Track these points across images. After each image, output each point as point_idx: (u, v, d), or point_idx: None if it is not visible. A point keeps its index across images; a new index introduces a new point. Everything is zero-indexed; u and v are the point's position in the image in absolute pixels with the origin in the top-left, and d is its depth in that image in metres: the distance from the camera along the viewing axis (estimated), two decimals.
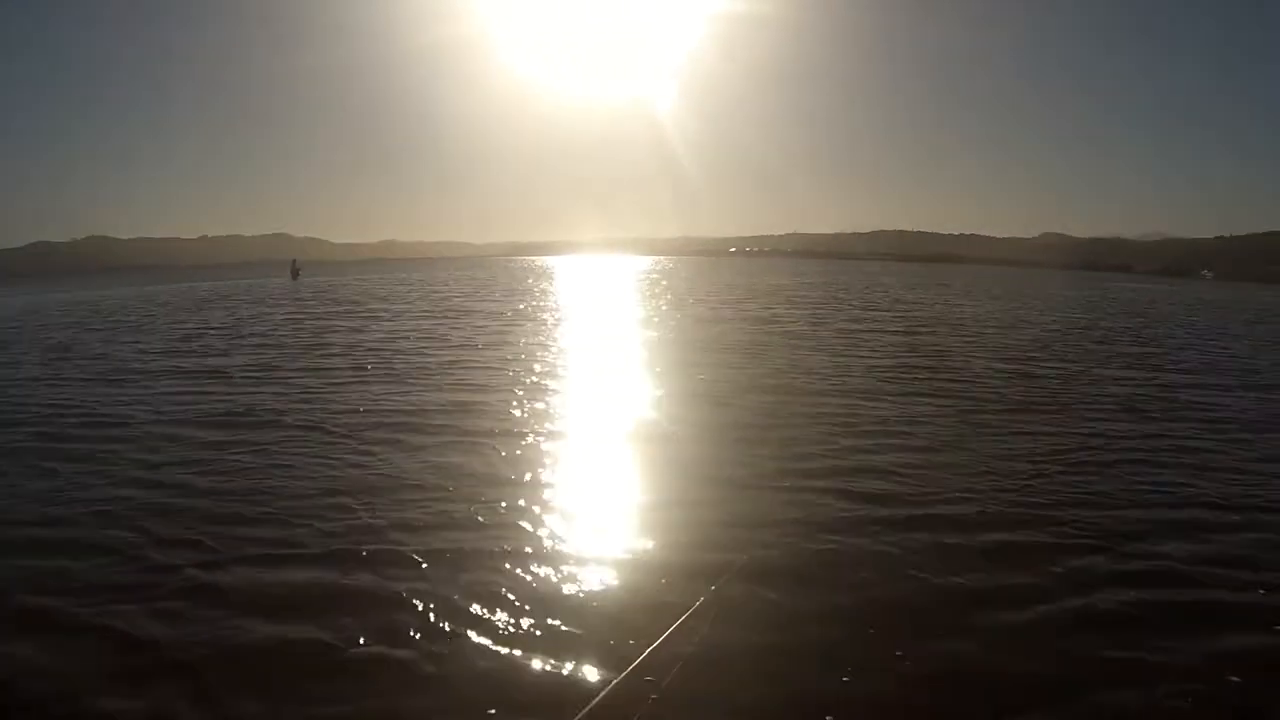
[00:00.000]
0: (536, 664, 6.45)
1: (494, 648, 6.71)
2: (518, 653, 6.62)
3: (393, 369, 21.35)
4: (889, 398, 17.30)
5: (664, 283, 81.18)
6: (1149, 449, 13.24)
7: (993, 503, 10.36)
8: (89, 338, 30.88)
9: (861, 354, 24.68)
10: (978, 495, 10.62)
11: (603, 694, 5.81)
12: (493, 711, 5.84)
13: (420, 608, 7.35)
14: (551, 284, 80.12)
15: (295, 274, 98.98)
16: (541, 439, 13.54)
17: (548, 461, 12.28)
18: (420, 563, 8.35)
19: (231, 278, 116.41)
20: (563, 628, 7.03)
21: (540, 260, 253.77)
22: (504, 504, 10.21)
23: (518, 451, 12.80)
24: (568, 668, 6.38)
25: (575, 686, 6.08)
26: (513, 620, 7.17)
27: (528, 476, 11.43)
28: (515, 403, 16.58)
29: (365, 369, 21.34)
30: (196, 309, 46.19)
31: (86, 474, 11.67)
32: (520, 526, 9.41)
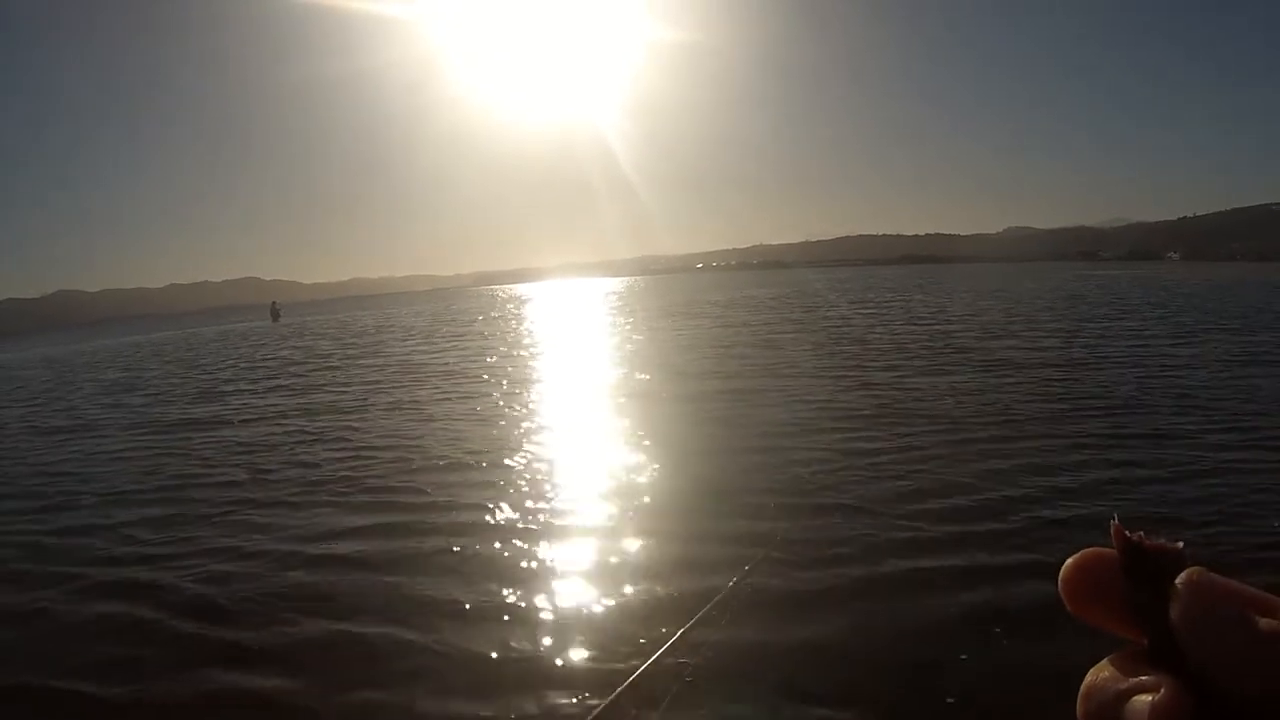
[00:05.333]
0: (568, 647, 6.68)
1: (523, 631, 7.04)
2: (548, 637, 6.90)
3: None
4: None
5: (640, 302, 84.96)
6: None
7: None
8: (147, 374, 34.37)
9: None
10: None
11: (633, 677, 5.82)
12: (524, 694, 6.08)
13: (445, 589, 7.98)
14: (537, 309, 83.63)
15: (276, 316, 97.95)
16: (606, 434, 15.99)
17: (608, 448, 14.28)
18: (450, 543, 9.24)
19: (215, 323, 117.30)
20: (593, 611, 7.38)
21: (512, 288, 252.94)
22: (540, 482, 11.79)
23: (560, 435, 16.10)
24: (599, 651, 6.57)
25: (606, 669, 6.20)
26: (541, 603, 7.59)
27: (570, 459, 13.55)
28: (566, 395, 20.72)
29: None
30: (227, 348, 49.03)
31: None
32: (548, 509, 10.41)
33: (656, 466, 12.34)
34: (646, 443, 13.84)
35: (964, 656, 6.10)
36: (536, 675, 6.28)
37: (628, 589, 7.77)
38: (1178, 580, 0.52)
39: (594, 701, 5.65)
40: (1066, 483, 10.15)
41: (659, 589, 7.67)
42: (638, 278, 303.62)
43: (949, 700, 5.53)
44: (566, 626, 7.07)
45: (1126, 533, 0.55)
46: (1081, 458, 11.30)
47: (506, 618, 7.29)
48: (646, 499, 10.71)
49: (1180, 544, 0.54)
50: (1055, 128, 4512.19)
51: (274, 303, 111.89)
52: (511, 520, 10.01)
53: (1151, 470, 10.54)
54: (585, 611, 7.36)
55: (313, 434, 16.61)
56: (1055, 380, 17.78)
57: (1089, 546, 0.56)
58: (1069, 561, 0.57)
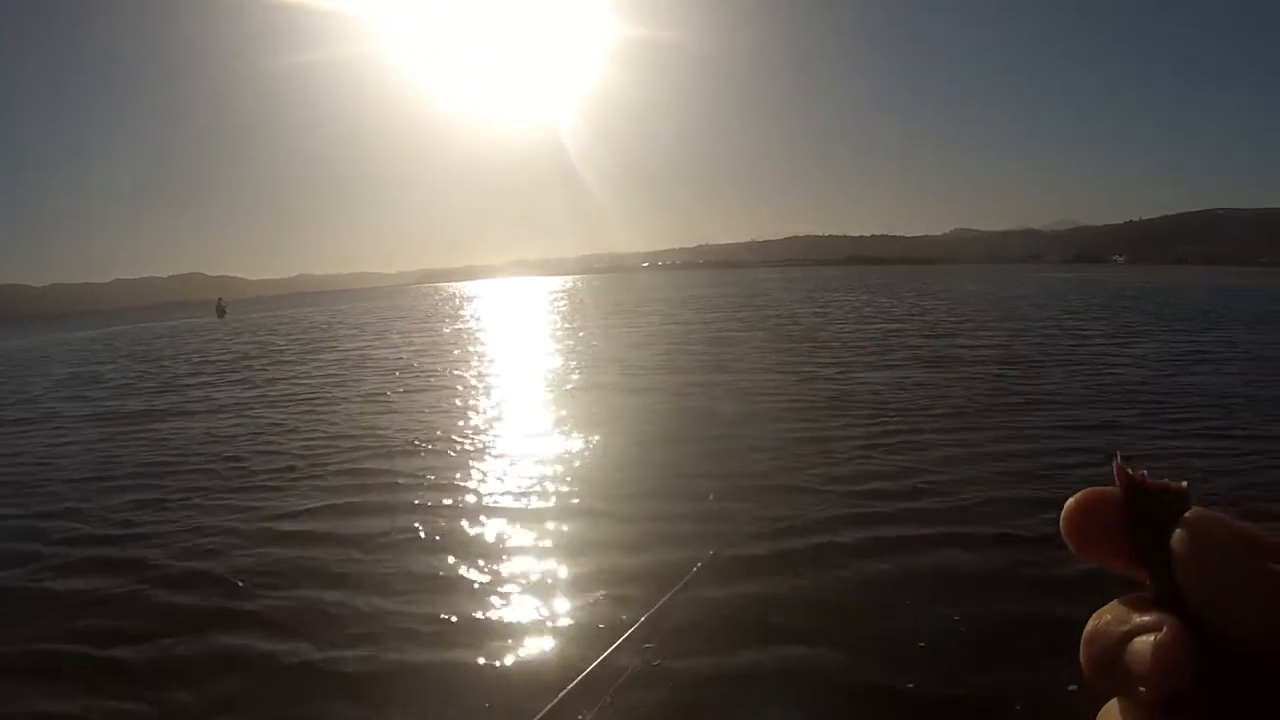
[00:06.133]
0: (532, 629, 6.86)
1: (489, 610, 7.28)
2: (513, 617, 7.12)
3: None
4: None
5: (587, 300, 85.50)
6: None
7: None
8: (103, 369, 34.05)
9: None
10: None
11: (594, 664, 5.81)
12: (488, 670, 6.30)
13: (412, 565, 8.40)
14: (488, 307, 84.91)
15: (222, 312, 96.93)
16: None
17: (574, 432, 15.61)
18: (416, 523, 9.66)
19: (162, 319, 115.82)
20: (558, 591, 7.63)
21: (459, 286, 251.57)
22: (517, 461, 12.71)
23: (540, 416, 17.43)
24: (563, 638, 6.70)
25: (570, 655, 6.31)
26: (504, 584, 7.83)
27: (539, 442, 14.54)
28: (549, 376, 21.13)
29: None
30: (179, 344, 48.95)
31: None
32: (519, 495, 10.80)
33: (615, 454, 12.91)
34: (603, 432, 14.41)
35: (920, 626, 6.44)
36: (501, 651, 6.53)
37: (591, 571, 8.07)
38: (1181, 519, 0.51)
39: (560, 683, 5.69)
40: (1011, 466, 10.91)
41: (622, 571, 7.94)
42: (584, 276, 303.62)
43: (909, 685, 5.68)
44: (531, 607, 7.28)
45: (1129, 471, 0.54)
46: (1024, 445, 12.06)
47: (472, 593, 7.64)
48: (606, 485, 11.17)
49: (1185, 483, 0.53)
50: (1001, 130, 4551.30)
51: (220, 299, 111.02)
52: (475, 504, 10.50)
53: (1089, 457, 11.21)
54: (549, 593, 7.60)
55: (278, 423, 17.04)
56: (1000, 376, 18.73)
57: (1090, 486, 0.55)
58: (1070, 501, 0.56)
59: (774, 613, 6.84)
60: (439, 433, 14.88)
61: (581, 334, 37.82)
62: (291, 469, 12.88)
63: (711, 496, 10.18)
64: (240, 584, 8.15)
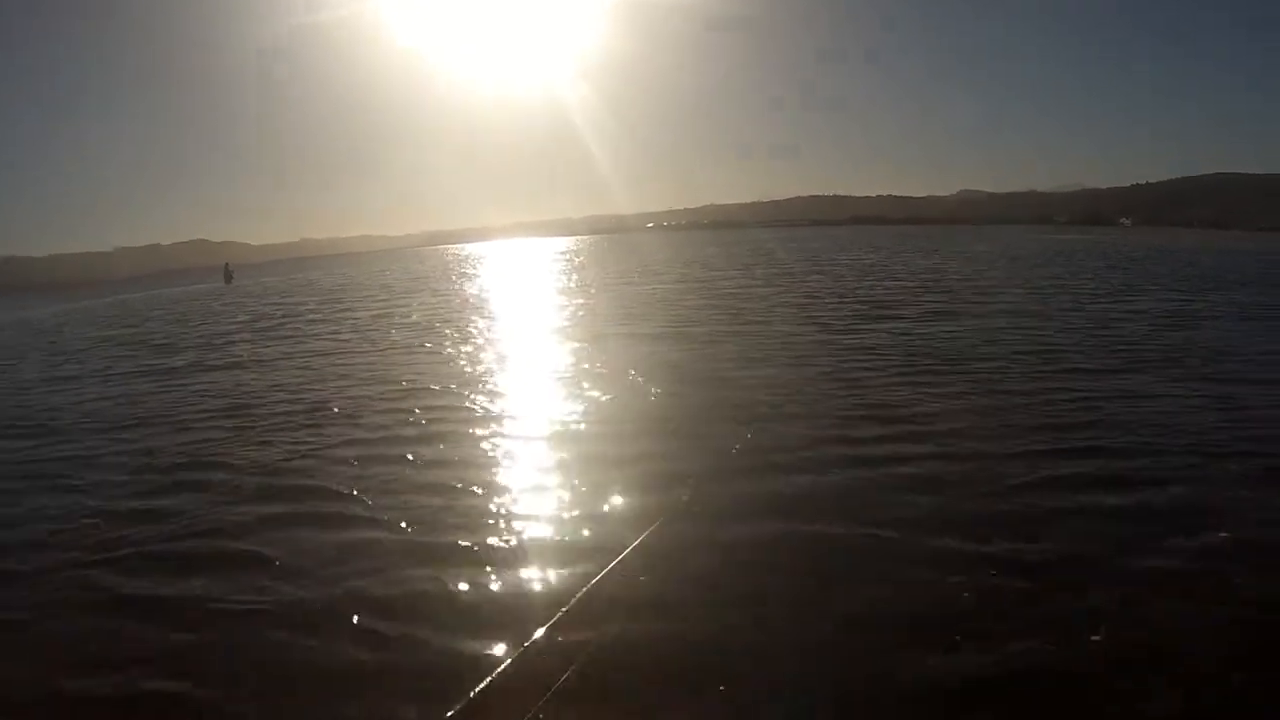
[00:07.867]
0: (501, 581, 6.90)
1: (491, 543, 7.63)
2: (511, 545, 7.53)
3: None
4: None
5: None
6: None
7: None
8: (133, 332, 34.52)
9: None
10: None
11: (586, 588, 6.09)
12: (492, 583, 6.79)
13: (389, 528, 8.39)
14: (499, 268, 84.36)
15: (229, 278, 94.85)
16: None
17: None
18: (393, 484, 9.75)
19: (170, 285, 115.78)
20: (557, 526, 8.01)
21: (465, 248, 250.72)
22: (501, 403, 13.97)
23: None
24: (557, 564, 7.05)
25: (563, 581, 6.67)
26: (506, 507, 8.49)
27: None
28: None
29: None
30: (201, 308, 49.67)
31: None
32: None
33: (631, 395, 14.10)
34: (621, 377, 15.62)
35: (923, 562, 6.76)
36: (500, 577, 6.96)
37: (592, 499, 8.76)
38: None
39: (552, 608, 6.15)
40: (1024, 414, 11.65)
41: (621, 500, 8.67)
42: (589, 237, 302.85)
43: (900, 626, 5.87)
44: (530, 535, 7.83)
45: None
46: (1035, 393, 12.87)
47: (484, 523, 8.16)
48: (623, 421, 12.32)
49: None
50: (1007, 93, 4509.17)
51: (227, 265, 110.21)
52: (500, 429, 11.94)
53: (1094, 400, 12.25)
54: (549, 523, 8.16)
55: (335, 368, 18.43)
56: (1011, 328, 19.84)
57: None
58: None
59: (767, 542, 7.32)
60: (480, 376, 16.46)
61: (593, 291, 38.95)
62: (356, 408, 14.03)
63: (718, 430, 11.18)
64: (365, 499, 9.16)
